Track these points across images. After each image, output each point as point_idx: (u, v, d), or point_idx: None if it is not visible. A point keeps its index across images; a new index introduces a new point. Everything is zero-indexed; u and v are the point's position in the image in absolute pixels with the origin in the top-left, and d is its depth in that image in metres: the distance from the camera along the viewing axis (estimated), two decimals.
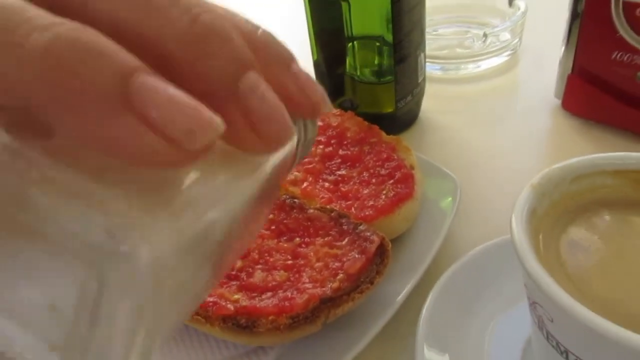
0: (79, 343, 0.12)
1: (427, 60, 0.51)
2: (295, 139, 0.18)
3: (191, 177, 0.14)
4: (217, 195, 0.15)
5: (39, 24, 0.12)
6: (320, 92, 0.18)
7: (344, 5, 0.45)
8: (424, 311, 0.31)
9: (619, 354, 0.20)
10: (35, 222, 0.12)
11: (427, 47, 0.51)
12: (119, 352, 0.13)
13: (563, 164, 0.27)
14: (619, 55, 0.43)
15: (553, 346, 0.24)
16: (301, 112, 0.17)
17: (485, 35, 0.56)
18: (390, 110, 0.49)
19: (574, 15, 0.46)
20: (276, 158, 0.17)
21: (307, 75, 0.17)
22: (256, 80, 0.15)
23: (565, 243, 0.25)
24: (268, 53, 0.16)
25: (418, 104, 0.52)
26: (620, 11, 0.42)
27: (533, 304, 0.24)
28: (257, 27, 0.17)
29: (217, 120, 0.13)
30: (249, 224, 0.17)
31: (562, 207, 0.26)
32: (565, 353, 0.23)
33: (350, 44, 0.48)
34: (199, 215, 0.14)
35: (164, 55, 0.14)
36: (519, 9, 0.59)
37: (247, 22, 0.16)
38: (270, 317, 0.31)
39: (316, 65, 0.51)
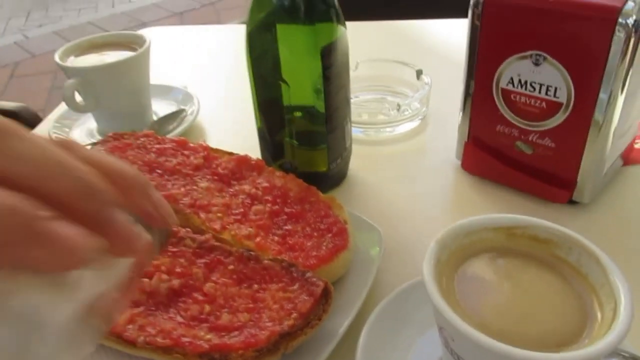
0: None
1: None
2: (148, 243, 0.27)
3: (81, 274, 0.23)
4: (97, 281, 0.24)
5: None
6: (168, 210, 0.27)
7: (283, 85, 0.54)
8: (361, 337, 0.40)
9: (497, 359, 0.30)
10: None
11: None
12: None
13: (457, 224, 0.36)
14: (501, 128, 0.55)
15: (455, 359, 0.33)
16: (157, 224, 0.27)
17: (399, 105, 0.67)
18: (323, 170, 0.58)
19: (467, 94, 0.57)
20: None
21: (159, 198, 0.27)
22: (116, 216, 0.24)
23: (460, 281, 0.34)
24: (131, 185, 0.26)
25: (346, 164, 0.62)
26: (500, 95, 0.54)
27: (440, 329, 0.34)
28: (125, 169, 0.26)
29: (89, 244, 0.21)
30: (123, 294, 0.26)
31: (458, 255, 0.36)
32: None
33: (288, 115, 0.57)
34: (86, 293, 0.23)
35: (61, 202, 0.22)
36: (425, 82, 0.71)
37: (117, 165, 0.25)
38: (240, 351, 0.38)
39: (260, 131, 0.60)
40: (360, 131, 0.68)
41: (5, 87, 3.04)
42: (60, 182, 0.22)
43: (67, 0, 4.32)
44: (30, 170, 0.21)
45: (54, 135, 0.70)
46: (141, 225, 0.26)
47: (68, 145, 0.24)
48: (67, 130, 0.72)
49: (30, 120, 1.17)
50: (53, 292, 0.22)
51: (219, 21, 3.66)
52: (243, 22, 1.38)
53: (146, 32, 0.72)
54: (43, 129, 0.74)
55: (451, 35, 0.93)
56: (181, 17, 3.76)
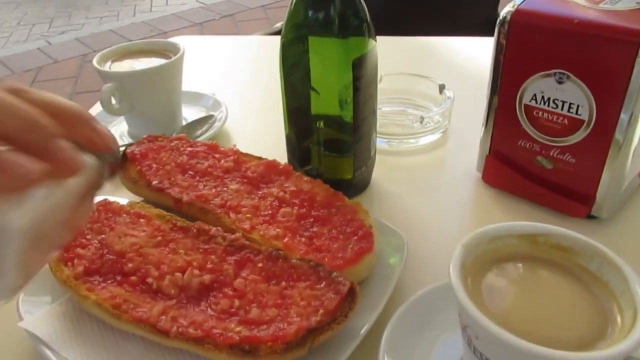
0: None
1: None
2: (91, 167, 0.33)
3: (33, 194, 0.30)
4: (47, 199, 0.30)
5: None
6: (110, 137, 0.33)
7: (313, 94, 0.57)
8: (384, 336, 0.41)
9: (520, 358, 0.31)
10: None
11: None
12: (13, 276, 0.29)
13: (482, 229, 0.38)
14: (522, 143, 0.57)
15: (478, 357, 0.35)
16: (102, 149, 0.33)
17: (422, 118, 0.69)
18: (348, 177, 0.60)
19: (490, 108, 0.59)
20: (80, 178, 0.32)
21: (101, 127, 0.33)
22: (59, 144, 0.29)
23: (485, 284, 0.36)
24: (76, 119, 0.32)
25: (370, 173, 0.64)
26: (523, 111, 0.56)
27: (464, 328, 0.35)
28: (68, 106, 0.32)
29: (35, 168, 0.28)
30: (74, 213, 0.33)
31: (483, 259, 0.38)
32: None
33: (316, 123, 0.59)
34: (38, 207, 0.30)
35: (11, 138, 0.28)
36: (447, 97, 0.73)
37: (62, 103, 0.31)
38: (269, 344, 0.40)
39: (288, 137, 0.62)
40: (384, 142, 0.70)
41: None
42: (7, 121, 0.28)
43: (90, 9, 4.41)
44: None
45: None
46: (89, 153, 0.32)
47: (16, 90, 0.29)
48: None
49: None
50: (11, 206, 0.29)
51: (237, 32, 3.72)
52: (265, 34, 1.41)
53: (175, 41, 0.75)
54: None
55: (473, 52, 0.95)
56: (201, 28, 3.82)
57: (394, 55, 0.93)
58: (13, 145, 0.28)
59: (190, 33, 3.72)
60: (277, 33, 0.56)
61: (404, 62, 0.93)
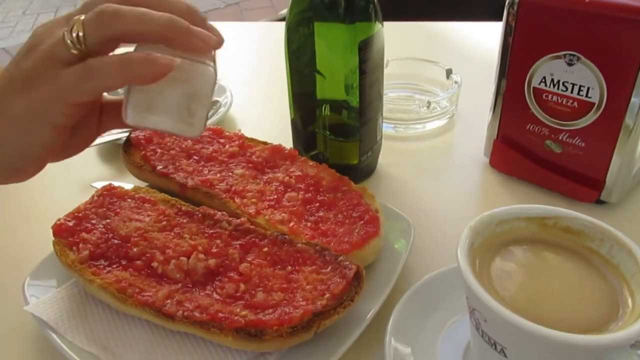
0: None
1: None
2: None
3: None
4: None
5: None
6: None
7: (318, 77, 0.56)
8: (391, 320, 0.41)
9: (529, 340, 0.31)
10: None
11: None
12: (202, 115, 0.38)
13: (491, 212, 0.38)
14: (531, 127, 0.56)
15: (486, 341, 0.34)
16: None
17: (429, 103, 0.68)
18: (354, 162, 0.60)
19: (498, 93, 0.58)
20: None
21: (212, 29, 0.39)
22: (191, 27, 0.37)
23: (493, 267, 0.35)
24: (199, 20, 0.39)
25: (376, 158, 0.63)
26: (532, 94, 0.55)
27: (472, 311, 0.35)
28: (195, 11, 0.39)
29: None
30: None
31: (491, 242, 0.37)
32: (494, 344, 0.33)
33: (321, 107, 0.58)
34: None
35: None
36: (454, 81, 0.72)
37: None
38: (275, 328, 0.40)
39: (293, 122, 0.61)
40: (390, 127, 0.69)
41: None
42: (151, 25, 0.36)
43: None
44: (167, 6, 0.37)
45: None
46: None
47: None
48: None
49: None
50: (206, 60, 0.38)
51: (242, 20, 3.70)
52: (271, 20, 1.40)
53: None
54: None
55: (481, 37, 0.94)
56: (206, 15, 3.80)
57: (401, 41, 0.92)
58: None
59: None
60: (283, 19, 0.55)
61: (411, 47, 0.92)
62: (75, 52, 0.36)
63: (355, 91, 0.55)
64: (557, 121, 0.54)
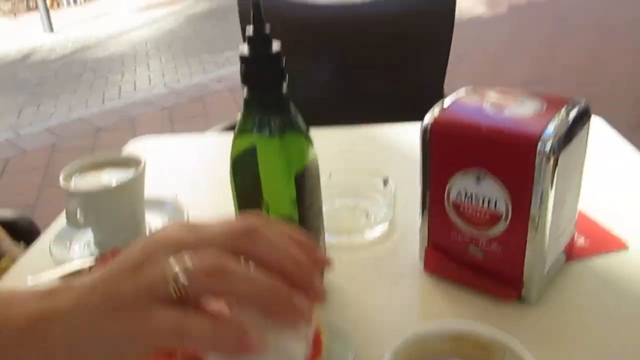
0: None
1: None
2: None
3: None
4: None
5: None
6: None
7: (264, 201, 0.62)
8: None
9: None
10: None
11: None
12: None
13: (413, 332, 0.43)
14: (454, 235, 0.63)
15: None
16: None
17: (367, 213, 0.75)
18: None
19: (424, 204, 0.66)
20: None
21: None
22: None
23: None
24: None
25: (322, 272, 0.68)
26: (451, 205, 0.62)
27: None
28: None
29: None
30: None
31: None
32: None
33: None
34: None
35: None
36: (390, 189, 0.79)
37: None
38: None
39: None
40: (334, 238, 0.75)
41: None
42: (284, 262, 0.39)
43: (58, 97, 4.49)
44: (275, 257, 0.39)
45: (53, 250, 0.76)
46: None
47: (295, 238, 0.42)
48: (67, 243, 0.79)
49: (27, 227, 1.23)
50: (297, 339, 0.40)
51: (206, 114, 3.82)
52: (227, 127, 1.47)
53: (137, 142, 0.79)
54: (44, 241, 0.80)
55: (413, 138, 1.03)
56: (170, 111, 3.92)
57: (337, 147, 1.00)
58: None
59: (159, 117, 3.82)
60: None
61: (344, 152, 1.00)
62: (174, 295, 0.36)
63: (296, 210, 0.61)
64: (475, 230, 0.61)
